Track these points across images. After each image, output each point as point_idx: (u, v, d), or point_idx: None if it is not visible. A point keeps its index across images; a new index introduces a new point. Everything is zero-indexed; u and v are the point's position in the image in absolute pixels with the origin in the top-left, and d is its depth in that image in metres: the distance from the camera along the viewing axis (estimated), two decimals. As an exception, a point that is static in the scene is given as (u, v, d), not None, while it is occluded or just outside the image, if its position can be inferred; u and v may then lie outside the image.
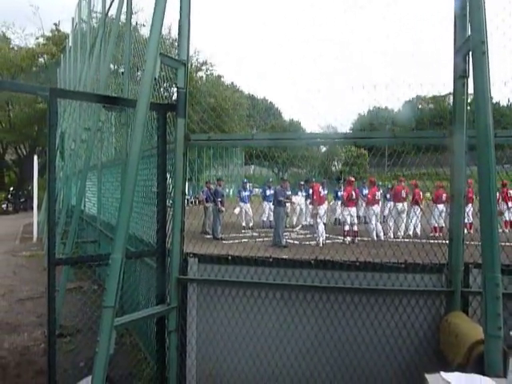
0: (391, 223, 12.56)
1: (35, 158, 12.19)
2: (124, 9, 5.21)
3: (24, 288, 6.87)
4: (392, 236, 12.15)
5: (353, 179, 12.19)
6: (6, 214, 20.76)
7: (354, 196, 11.66)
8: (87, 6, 8.72)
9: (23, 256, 9.75)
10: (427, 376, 1.61)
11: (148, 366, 3.81)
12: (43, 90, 2.77)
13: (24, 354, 4.27)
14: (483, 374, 1.96)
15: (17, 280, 7.29)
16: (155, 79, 2.99)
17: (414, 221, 11.85)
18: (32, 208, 13.21)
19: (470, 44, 2.55)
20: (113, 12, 6.28)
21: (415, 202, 11.80)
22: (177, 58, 3.21)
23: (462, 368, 2.23)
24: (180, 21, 3.24)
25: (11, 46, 27.71)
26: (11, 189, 23.54)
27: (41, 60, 26.65)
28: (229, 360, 3.19)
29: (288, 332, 3.10)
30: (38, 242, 11.61)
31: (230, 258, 3.19)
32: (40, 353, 4.38)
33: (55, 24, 27.84)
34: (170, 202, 3.38)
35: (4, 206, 21.72)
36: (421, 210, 11.73)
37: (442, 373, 1.62)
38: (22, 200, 22.19)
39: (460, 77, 2.79)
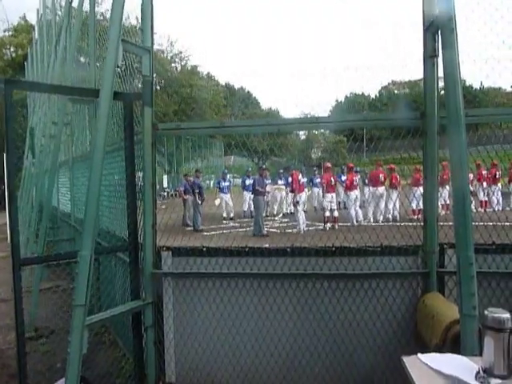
0: (370, 208, 12.68)
1: (4, 155, 11.73)
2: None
3: (-4, 289, 6.66)
4: (372, 220, 12.30)
5: (329, 165, 12.22)
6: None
7: (332, 182, 11.70)
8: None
9: (-3, 257, 9.44)
10: (404, 358, 1.59)
11: (127, 363, 3.73)
12: (-3, 81, 2.60)
13: (-2, 358, 4.12)
14: (459, 353, 1.96)
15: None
16: (118, 67, 2.87)
17: (391, 205, 11.99)
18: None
19: (438, 21, 2.52)
20: (77, 1, 6.04)
21: (393, 185, 11.93)
22: (140, 44, 3.08)
23: (439, 348, 2.23)
24: (142, 5, 3.10)
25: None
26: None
27: (7, 52, 25.64)
28: (208, 353, 3.14)
29: (267, 321, 3.06)
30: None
31: (204, 249, 3.11)
32: (14, 356, 4.22)
33: (23, 16, 26.86)
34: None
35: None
36: (398, 193, 11.87)
37: (419, 354, 1.60)
38: None
39: (430, 56, 2.76)
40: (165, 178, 30.15)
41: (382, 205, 12.37)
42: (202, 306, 3.14)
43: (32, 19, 23.37)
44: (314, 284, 3.00)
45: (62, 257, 3.22)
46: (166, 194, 26.87)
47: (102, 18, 5.27)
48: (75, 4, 6.11)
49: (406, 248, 2.91)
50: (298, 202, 11.74)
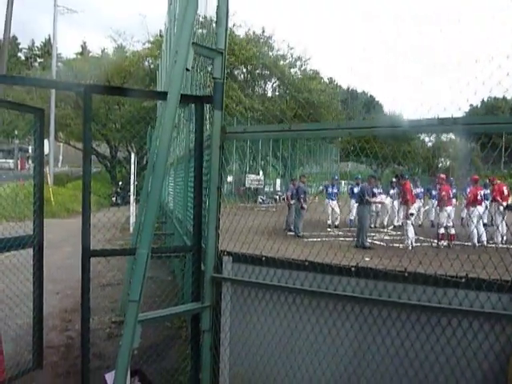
0: (498, 227, 10.98)
1: (133, 155, 13.26)
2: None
3: (108, 274, 7.46)
4: (500, 241, 10.63)
5: (443, 176, 10.94)
6: (116, 206, 23.15)
7: (451, 195, 10.45)
8: (173, 9, 9.13)
9: (117, 245, 10.65)
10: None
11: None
12: (79, 86, 2.85)
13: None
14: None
15: (105, 266, 7.94)
16: (188, 70, 2.90)
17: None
18: (137, 201, 14.43)
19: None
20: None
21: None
22: (213, 47, 3.07)
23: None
24: (218, 8, 3.09)
25: (126, 55, 30.72)
26: (120, 183, 26.19)
27: (146, 64, 29.10)
28: (261, 366, 2.98)
29: (324, 344, 2.78)
30: (135, 233, 12.63)
31: (263, 258, 2.96)
32: (103, 337, 4.66)
33: (160, 30, 30.21)
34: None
35: (113, 198, 24.23)
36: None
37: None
38: (122, 194, 24.55)
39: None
40: (278, 181, 30.70)
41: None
42: (258, 317, 3.00)
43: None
44: (381, 312, 2.61)
45: (127, 252, 3.40)
46: (277, 197, 27.33)
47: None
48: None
49: (499, 283, 2.35)
50: (411, 214, 10.79)
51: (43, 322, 3.85)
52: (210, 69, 3.27)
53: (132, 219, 13.24)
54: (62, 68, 32.48)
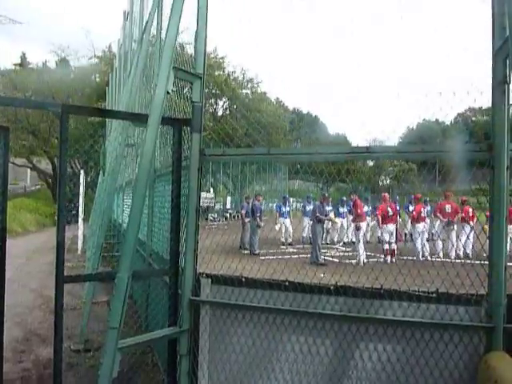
0: (439, 242, 11.77)
1: (82, 172, 12.74)
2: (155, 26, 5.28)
3: (60, 299, 7.04)
4: (442, 255, 11.37)
5: (386, 195, 11.60)
6: (59, 226, 21.87)
7: (390, 213, 11.04)
8: (129, 27, 9.05)
9: (67, 267, 10.10)
10: None
11: (164, 388, 3.67)
12: (55, 106, 2.77)
13: (47, 368, 4.28)
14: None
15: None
16: (169, 93, 2.92)
17: (463, 240, 11.02)
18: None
19: (510, 45, 2.26)
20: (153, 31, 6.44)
21: (463, 219, 11.00)
22: (192, 71, 3.13)
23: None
24: (196, 33, 3.16)
25: (70, 69, 29.63)
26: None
27: (92, 79, 28.20)
28: (241, 390, 2.98)
29: (305, 363, 2.84)
30: (82, 254, 12.02)
31: (243, 279, 3.00)
32: (63, 367, 4.38)
33: (109, 46, 29.60)
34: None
35: (56, 217, 22.97)
36: (471, 228, 10.89)
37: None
38: (73, 212, 23.37)
39: (499, 83, 2.47)
40: (228, 199, 30.77)
41: (452, 239, 11.42)
42: (238, 339, 3.01)
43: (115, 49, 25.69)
44: (359, 328, 2.74)
45: (102, 276, 3.28)
46: (228, 215, 27.34)
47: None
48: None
49: (466, 297, 2.56)
50: (359, 229, 11.24)
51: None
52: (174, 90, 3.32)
53: (80, 239, 12.62)
54: (1, 79, 30.59)
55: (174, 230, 3.16)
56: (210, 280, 3.10)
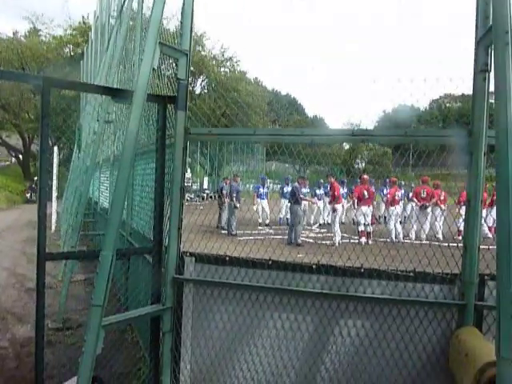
0: (413, 225, 12.14)
1: (55, 148, 12.38)
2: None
3: (35, 277, 6.93)
4: (414, 238, 11.74)
5: (366, 177, 11.83)
6: (30, 203, 21.33)
7: (366, 195, 11.29)
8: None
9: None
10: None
11: (144, 365, 3.72)
12: (37, 78, 2.68)
13: (25, 346, 4.25)
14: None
15: (30, 269, 7.35)
16: (154, 70, 2.86)
17: (437, 223, 11.39)
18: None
19: (492, 34, 2.32)
20: (134, 5, 6.21)
21: (435, 203, 11.36)
22: (178, 47, 3.07)
23: (470, 392, 2.02)
24: (183, 9, 3.09)
25: (41, 39, 28.27)
26: (35, 178, 24.23)
27: (66, 51, 27.04)
28: (223, 365, 3.06)
29: (286, 339, 2.94)
30: (56, 232, 11.79)
31: (227, 258, 3.04)
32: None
33: (83, 17, 28.33)
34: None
35: (28, 195, 22.32)
36: (441, 211, 11.28)
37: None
38: (46, 189, 22.75)
39: (481, 71, 2.55)
40: (206, 179, 30.62)
41: (426, 223, 11.78)
42: (221, 316, 3.06)
43: (91, 21, 24.65)
44: (339, 305, 2.84)
45: (84, 255, 3.26)
46: (205, 195, 27.29)
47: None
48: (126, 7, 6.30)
49: (441, 276, 2.69)
50: (335, 210, 11.45)
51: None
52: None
53: (54, 217, 12.35)
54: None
55: (157, 209, 3.15)
56: (193, 258, 3.12)
